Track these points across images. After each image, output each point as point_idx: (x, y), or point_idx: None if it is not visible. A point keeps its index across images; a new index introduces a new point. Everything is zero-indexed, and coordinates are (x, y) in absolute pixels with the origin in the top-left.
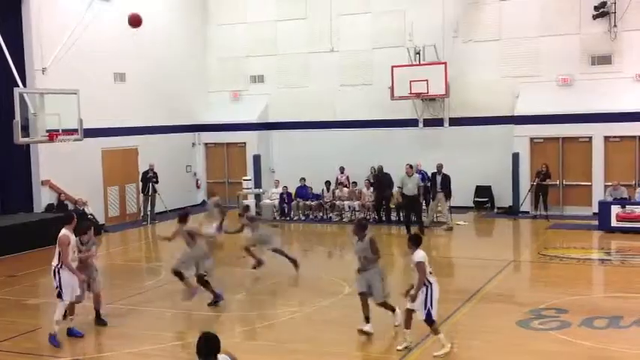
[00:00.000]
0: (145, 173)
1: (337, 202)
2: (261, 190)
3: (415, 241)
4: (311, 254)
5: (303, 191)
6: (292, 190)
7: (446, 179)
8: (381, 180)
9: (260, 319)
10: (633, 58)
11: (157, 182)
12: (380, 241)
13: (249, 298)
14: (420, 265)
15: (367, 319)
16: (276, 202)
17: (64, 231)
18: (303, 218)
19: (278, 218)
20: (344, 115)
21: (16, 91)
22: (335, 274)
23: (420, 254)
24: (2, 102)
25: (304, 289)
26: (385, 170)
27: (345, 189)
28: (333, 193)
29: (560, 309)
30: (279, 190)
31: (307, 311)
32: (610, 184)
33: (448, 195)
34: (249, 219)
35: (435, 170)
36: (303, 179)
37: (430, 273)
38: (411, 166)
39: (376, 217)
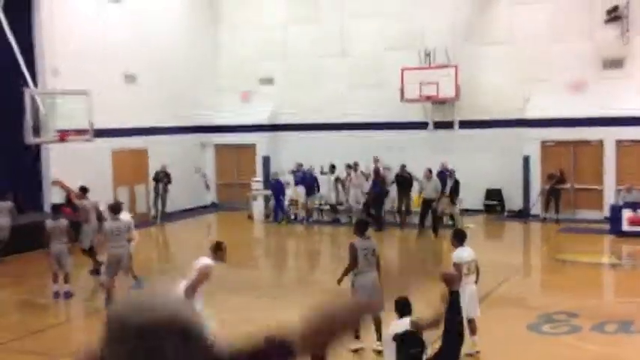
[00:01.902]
0: (157, 173)
1: (345, 203)
2: (270, 192)
3: (458, 238)
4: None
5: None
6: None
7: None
8: (375, 182)
9: (267, 320)
10: None
11: (169, 182)
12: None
13: (256, 300)
14: (454, 267)
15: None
16: (286, 203)
17: None
18: (310, 220)
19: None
20: (354, 118)
21: (27, 91)
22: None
23: (456, 254)
24: (13, 102)
25: (315, 291)
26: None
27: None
28: (343, 184)
29: (570, 313)
30: (289, 192)
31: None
32: (621, 187)
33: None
34: None
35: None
36: (300, 164)
37: (465, 274)
38: (430, 170)
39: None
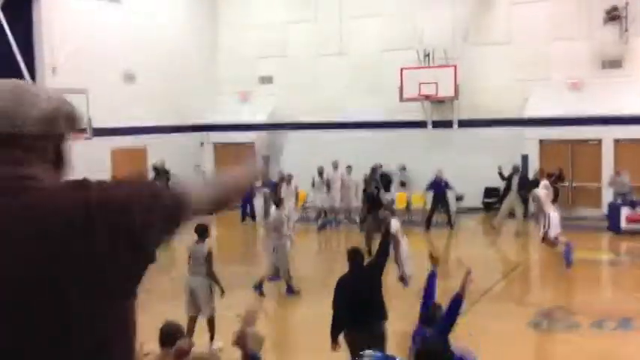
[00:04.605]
0: (156, 168)
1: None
2: (268, 191)
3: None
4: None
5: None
6: None
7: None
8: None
9: (264, 320)
10: None
11: (169, 179)
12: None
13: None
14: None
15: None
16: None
17: None
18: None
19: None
20: (353, 117)
21: None
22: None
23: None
24: None
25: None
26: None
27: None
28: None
29: (569, 310)
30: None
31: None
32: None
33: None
34: None
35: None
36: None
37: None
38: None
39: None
